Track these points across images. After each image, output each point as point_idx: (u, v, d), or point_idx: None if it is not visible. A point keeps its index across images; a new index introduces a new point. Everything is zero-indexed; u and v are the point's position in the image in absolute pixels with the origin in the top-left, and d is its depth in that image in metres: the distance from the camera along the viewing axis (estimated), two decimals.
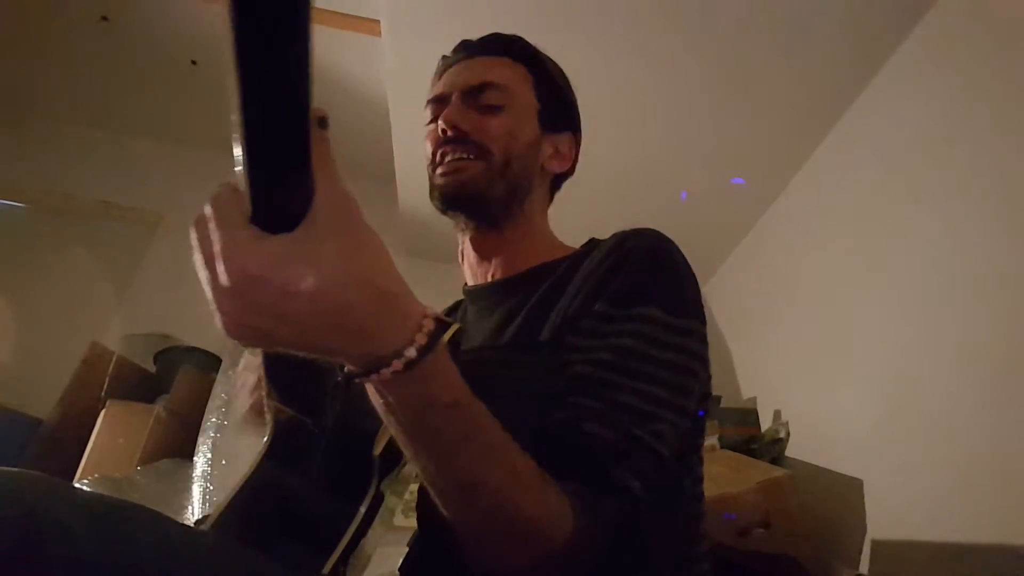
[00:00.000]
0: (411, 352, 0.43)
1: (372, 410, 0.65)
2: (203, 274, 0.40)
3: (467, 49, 0.89)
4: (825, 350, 1.98)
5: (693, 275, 0.70)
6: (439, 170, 0.82)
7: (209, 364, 2.44)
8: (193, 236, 0.40)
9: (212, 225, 0.39)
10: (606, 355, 0.62)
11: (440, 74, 0.90)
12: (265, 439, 0.66)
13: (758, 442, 2.01)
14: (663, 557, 0.68)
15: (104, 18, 2.60)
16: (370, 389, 0.47)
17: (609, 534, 0.57)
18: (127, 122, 3.29)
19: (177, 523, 0.53)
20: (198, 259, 0.40)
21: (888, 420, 1.59)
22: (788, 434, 2.00)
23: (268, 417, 0.66)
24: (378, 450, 0.69)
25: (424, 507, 0.79)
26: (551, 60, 0.91)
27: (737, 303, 2.67)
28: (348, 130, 2.85)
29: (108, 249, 3.22)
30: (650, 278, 0.67)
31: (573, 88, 0.94)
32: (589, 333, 0.65)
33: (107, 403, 2.23)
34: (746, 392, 2.40)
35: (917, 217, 1.67)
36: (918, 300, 1.59)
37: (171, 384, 2.28)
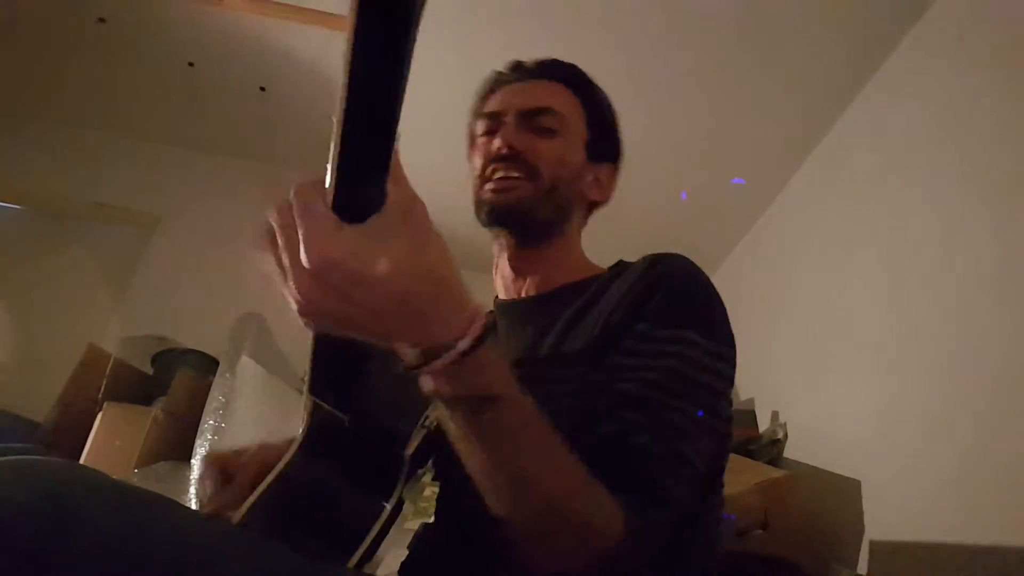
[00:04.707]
0: (465, 343, 0.46)
1: (408, 410, 0.65)
2: (285, 257, 0.43)
3: (522, 70, 0.91)
4: (823, 351, 1.99)
5: (722, 301, 0.75)
6: (488, 186, 0.84)
7: (206, 366, 2.43)
8: (275, 220, 0.43)
9: (297, 211, 0.42)
10: (652, 375, 0.64)
11: (492, 90, 0.92)
12: (300, 431, 0.67)
13: (756, 443, 2.01)
14: (686, 571, 0.70)
15: (101, 20, 2.59)
16: (427, 383, 0.49)
17: (659, 542, 0.59)
18: (124, 124, 3.28)
19: (192, 511, 0.53)
20: (280, 242, 0.43)
21: (886, 421, 1.59)
22: (786, 435, 2.00)
23: (303, 412, 0.67)
24: (410, 451, 0.69)
25: (445, 503, 0.80)
26: (602, 91, 0.94)
27: (735, 303, 2.65)
28: None
29: (105, 251, 3.22)
30: (687, 303, 0.71)
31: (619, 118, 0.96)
32: (631, 352, 0.67)
33: (104, 405, 2.22)
34: (744, 393, 2.40)
35: (916, 216, 1.67)
36: (916, 300, 1.59)
37: (168, 386, 2.27)
